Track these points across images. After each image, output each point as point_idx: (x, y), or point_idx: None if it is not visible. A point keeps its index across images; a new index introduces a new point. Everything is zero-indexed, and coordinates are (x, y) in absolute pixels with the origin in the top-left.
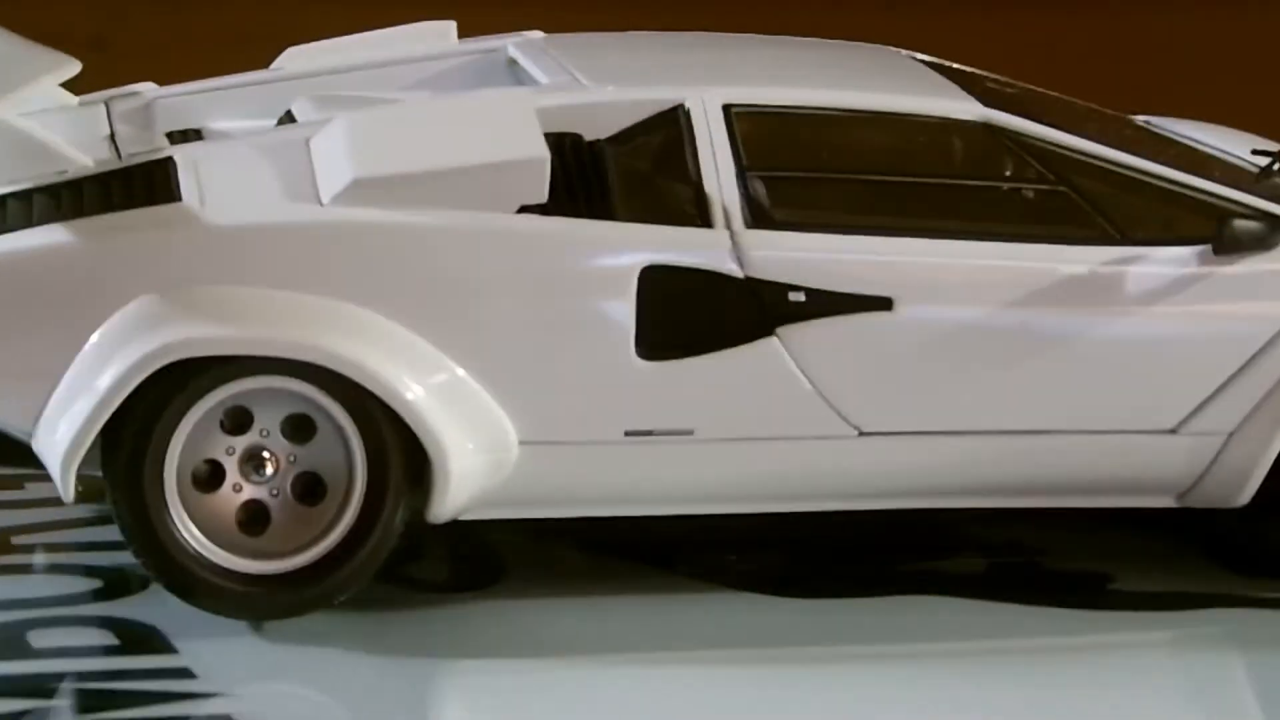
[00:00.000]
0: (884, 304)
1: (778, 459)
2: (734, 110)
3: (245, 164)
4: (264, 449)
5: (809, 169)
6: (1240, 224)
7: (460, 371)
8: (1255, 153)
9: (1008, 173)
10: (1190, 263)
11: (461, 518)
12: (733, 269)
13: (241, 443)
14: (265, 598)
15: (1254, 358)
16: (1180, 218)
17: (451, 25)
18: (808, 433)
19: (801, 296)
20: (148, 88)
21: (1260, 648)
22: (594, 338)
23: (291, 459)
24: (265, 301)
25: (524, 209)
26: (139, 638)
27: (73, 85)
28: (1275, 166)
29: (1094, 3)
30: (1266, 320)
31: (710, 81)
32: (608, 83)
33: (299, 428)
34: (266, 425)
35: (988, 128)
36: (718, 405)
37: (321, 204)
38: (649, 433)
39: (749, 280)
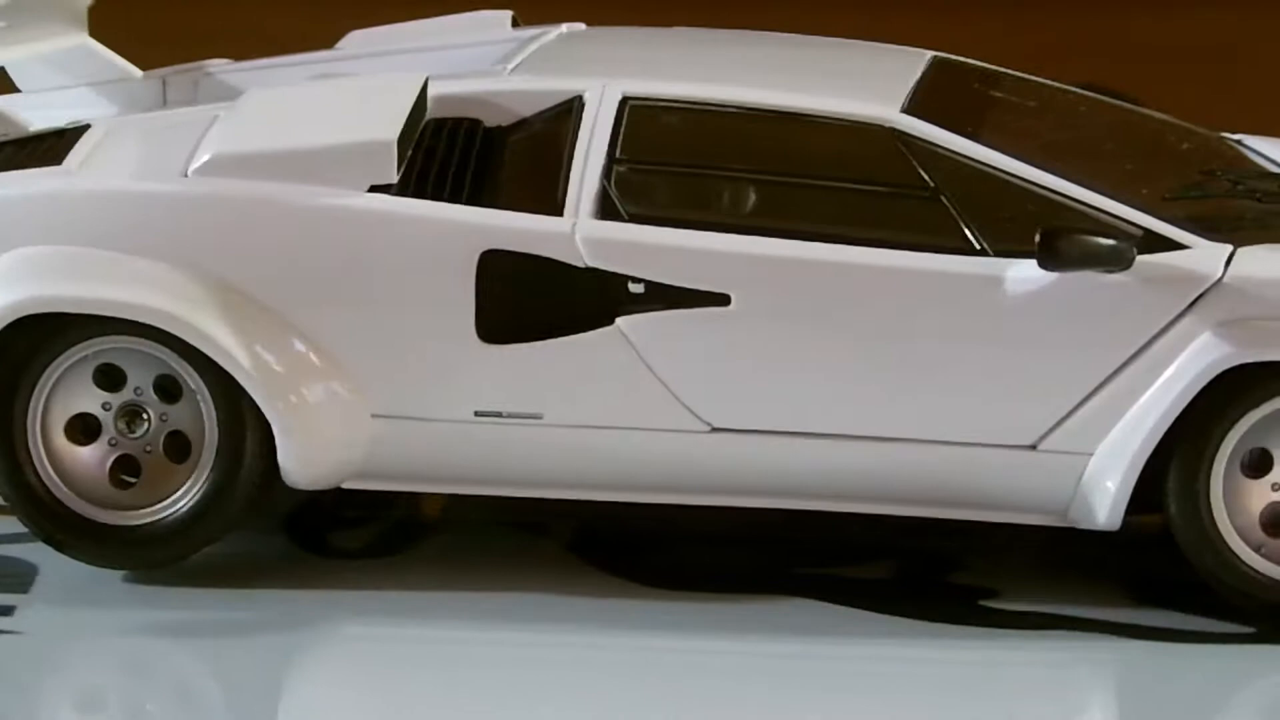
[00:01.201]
0: (721, 300)
1: (629, 449)
2: (631, 103)
3: (149, 135)
4: (141, 407)
5: (681, 164)
6: (1074, 239)
7: (307, 342)
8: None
9: (890, 178)
10: (1049, 278)
11: (349, 486)
12: (572, 258)
13: (117, 400)
14: (125, 549)
15: (1112, 376)
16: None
17: (507, 15)
18: (659, 425)
19: (641, 288)
20: (217, 64)
21: (1127, 677)
22: (435, 318)
23: (164, 417)
24: (115, 265)
25: (376, 188)
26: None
27: (152, 60)
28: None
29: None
30: (1125, 339)
31: (628, 74)
32: (552, 72)
33: (169, 388)
34: (140, 384)
35: (891, 133)
36: (564, 391)
37: (185, 175)
38: (498, 414)
39: (589, 270)
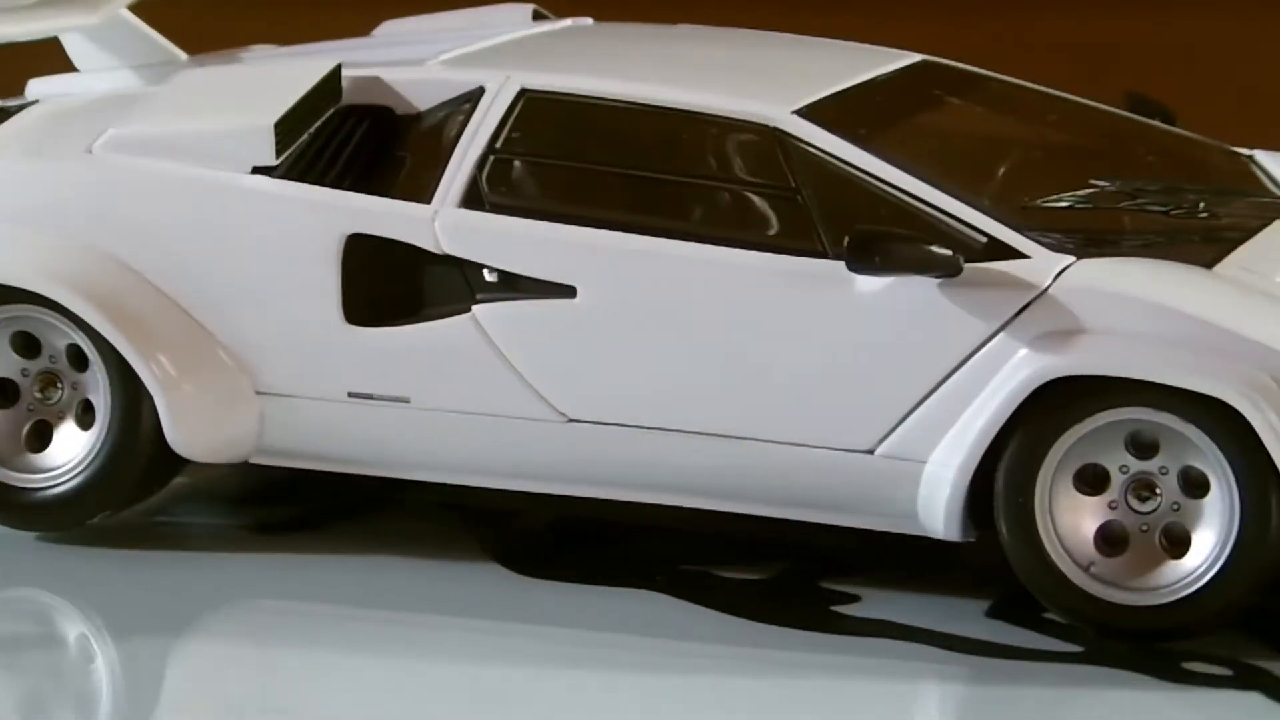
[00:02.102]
0: (568, 291)
1: (491, 436)
2: (529, 95)
3: (80, 113)
4: (56, 374)
5: (555, 156)
6: (881, 244)
7: (191, 318)
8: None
9: (758, 178)
10: (884, 282)
11: (258, 461)
12: (430, 244)
13: (35, 366)
14: (26, 512)
15: (941, 383)
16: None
17: (529, 8)
18: (518, 413)
19: (495, 277)
20: (259, 49)
21: (945, 693)
22: (305, 299)
23: (75, 385)
24: (17, 239)
25: (259, 170)
26: None
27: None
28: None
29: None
30: (954, 346)
31: (538, 68)
32: (469, 63)
33: (82, 356)
34: (54, 352)
35: (772, 132)
36: (427, 376)
37: (89, 152)
38: (369, 396)
39: (446, 257)
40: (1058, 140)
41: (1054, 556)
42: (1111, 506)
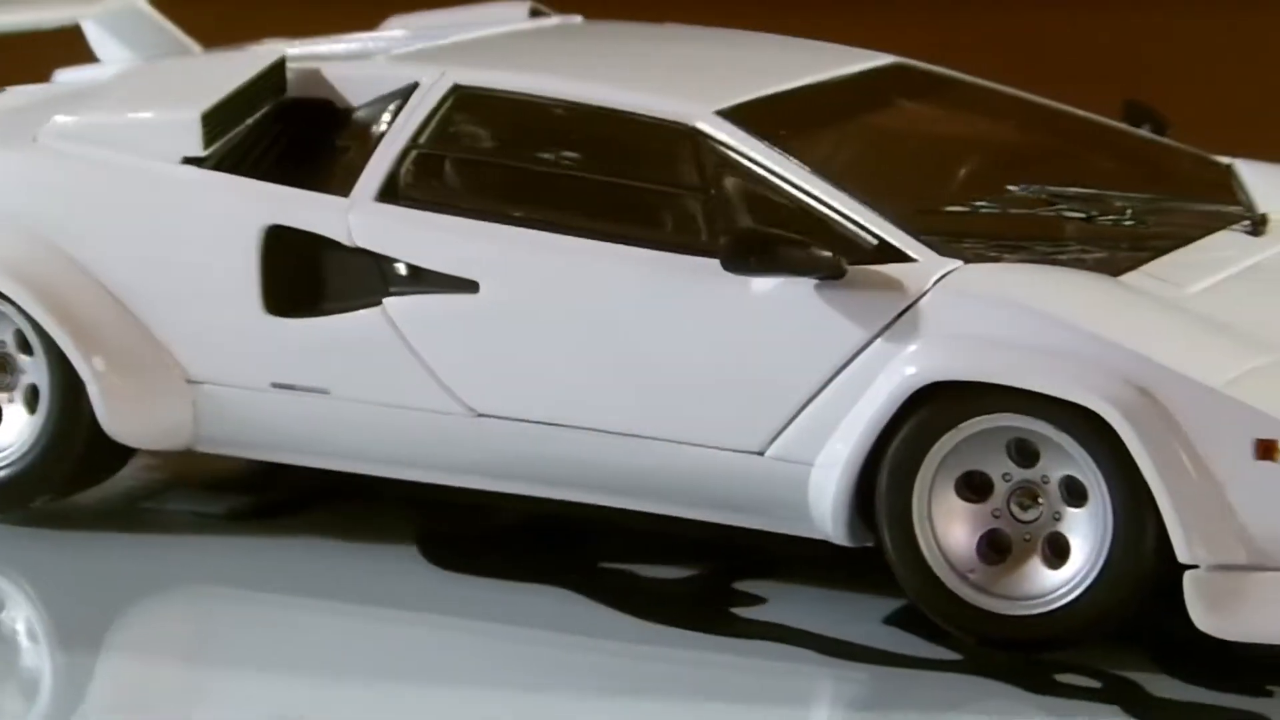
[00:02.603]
0: (471, 287)
1: (407, 429)
2: (461, 91)
3: (44, 101)
4: (7, 358)
5: (474, 152)
6: (756, 244)
7: (123, 306)
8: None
9: (668, 177)
10: (773, 283)
11: (203, 450)
12: (343, 237)
13: None
14: None
15: (824, 386)
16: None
17: (525, 5)
18: (429, 407)
19: (405, 271)
20: (271, 43)
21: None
22: (228, 289)
23: (23, 370)
24: None
25: (190, 161)
26: None
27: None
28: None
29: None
30: (836, 348)
31: (476, 64)
32: (412, 58)
33: (27, 342)
34: (4, 338)
35: (690, 132)
36: (345, 368)
37: (34, 141)
38: (291, 387)
39: (357, 250)
40: (1007, 145)
41: (932, 563)
42: (995, 515)
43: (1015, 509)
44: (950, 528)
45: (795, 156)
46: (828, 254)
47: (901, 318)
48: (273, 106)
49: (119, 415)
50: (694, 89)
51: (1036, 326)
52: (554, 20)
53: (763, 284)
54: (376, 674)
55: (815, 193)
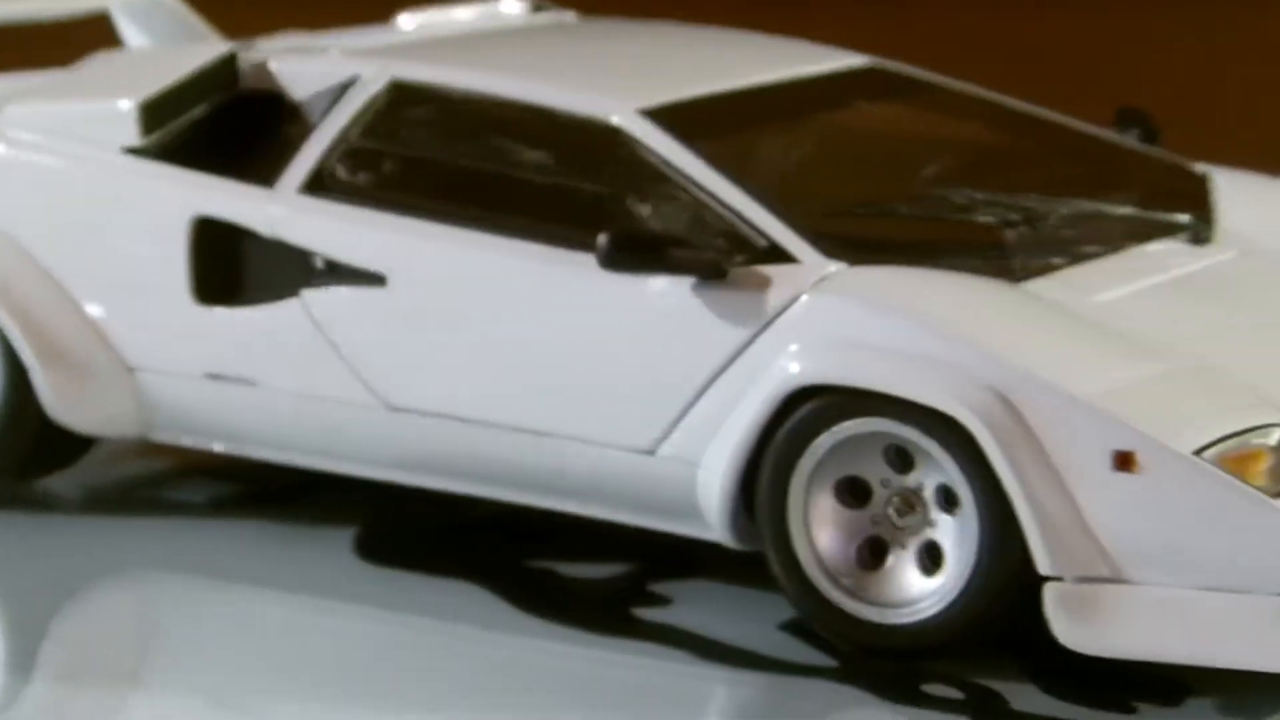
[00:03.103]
0: (379, 280)
1: (328, 421)
2: (397, 86)
3: (11, 90)
4: None
5: (399, 147)
6: (617, 242)
7: (64, 291)
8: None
9: (580, 175)
10: (662, 282)
11: (157, 438)
12: (263, 228)
13: None
14: None
15: (708, 386)
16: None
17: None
18: (348, 399)
19: (319, 263)
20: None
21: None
22: (162, 278)
23: None
24: None
25: (131, 150)
26: None
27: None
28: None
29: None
30: (719, 349)
31: (419, 59)
32: (362, 54)
33: None
34: None
35: (610, 130)
36: (269, 359)
37: None
38: (221, 376)
39: (276, 241)
40: (958, 150)
41: (807, 567)
42: (875, 521)
43: (894, 516)
44: (828, 532)
45: (711, 157)
46: (705, 254)
47: (778, 319)
48: (224, 99)
49: (64, 402)
50: (627, 87)
51: (905, 331)
52: (546, 16)
53: (651, 283)
54: (304, 664)
55: (717, 193)
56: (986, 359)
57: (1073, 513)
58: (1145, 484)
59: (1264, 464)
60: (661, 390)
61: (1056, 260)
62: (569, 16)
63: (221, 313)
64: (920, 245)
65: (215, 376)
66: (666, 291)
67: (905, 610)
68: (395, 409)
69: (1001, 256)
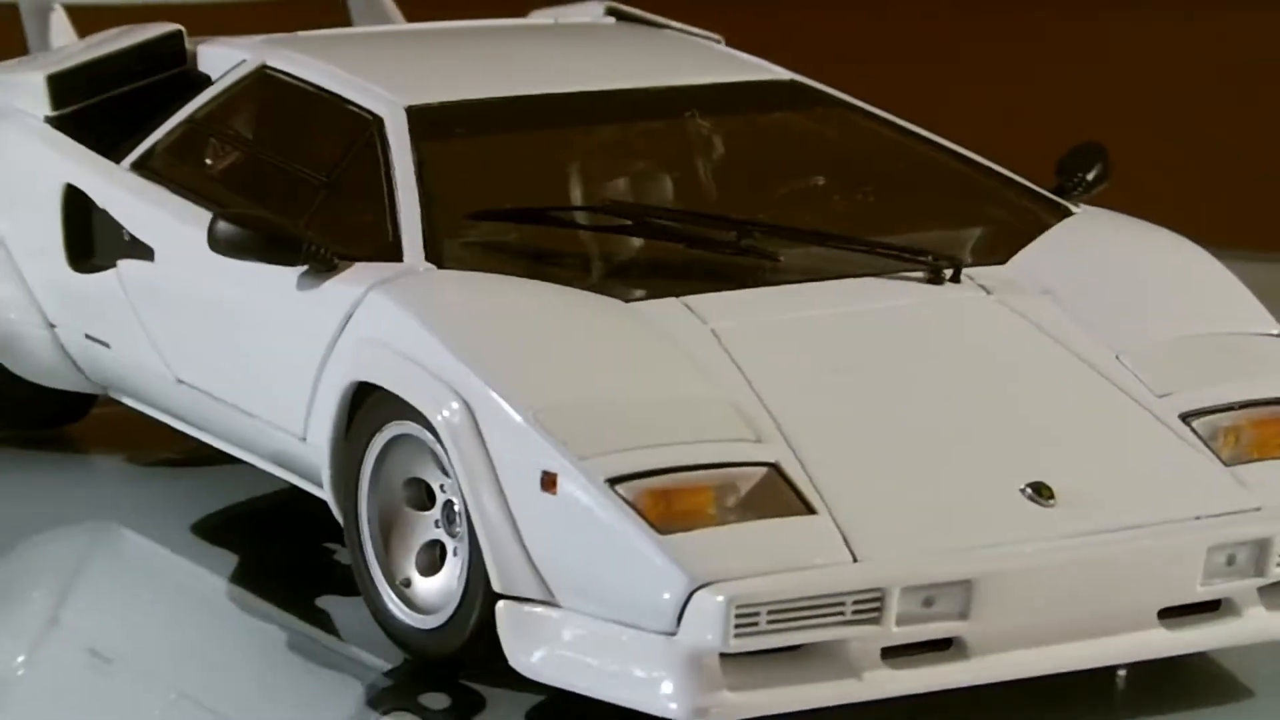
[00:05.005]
0: (149, 254)
1: (155, 386)
2: (262, 72)
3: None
4: None
5: (224, 130)
6: (223, 226)
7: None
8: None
9: (330, 165)
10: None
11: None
12: (99, 201)
13: None
14: None
15: (318, 379)
16: (366, 234)
17: (601, 5)
18: (156, 368)
19: (126, 237)
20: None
21: None
22: (49, 242)
23: None
24: None
25: (50, 119)
26: None
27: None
28: None
29: None
30: (319, 342)
31: (297, 49)
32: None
33: None
34: None
35: (375, 123)
36: (110, 324)
37: None
38: (91, 337)
39: (104, 213)
40: (750, 170)
41: (371, 569)
42: (437, 524)
43: (446, 520)
44: (393, 535)
45: (425, 156)
46: (298, 245)
47: (353, 314)
48: (165, 77)
49: (12, 354)
50: (427, 84)
51: (412, 334)
52: (587, 17)
53: (288, 273)
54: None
55: (395, 188)
56: (460, 369)
57: (515, 531)
58: (561, 507)
59: (701, 502)
60: (296, 378)
61: (701, 283)
62: (608, 21)
63: (80, 278)
64: (548, 256)
65: (89, 337)
66: (290, 280)
67: (434, 617)
68: (180, 381)
69: (627, 274)
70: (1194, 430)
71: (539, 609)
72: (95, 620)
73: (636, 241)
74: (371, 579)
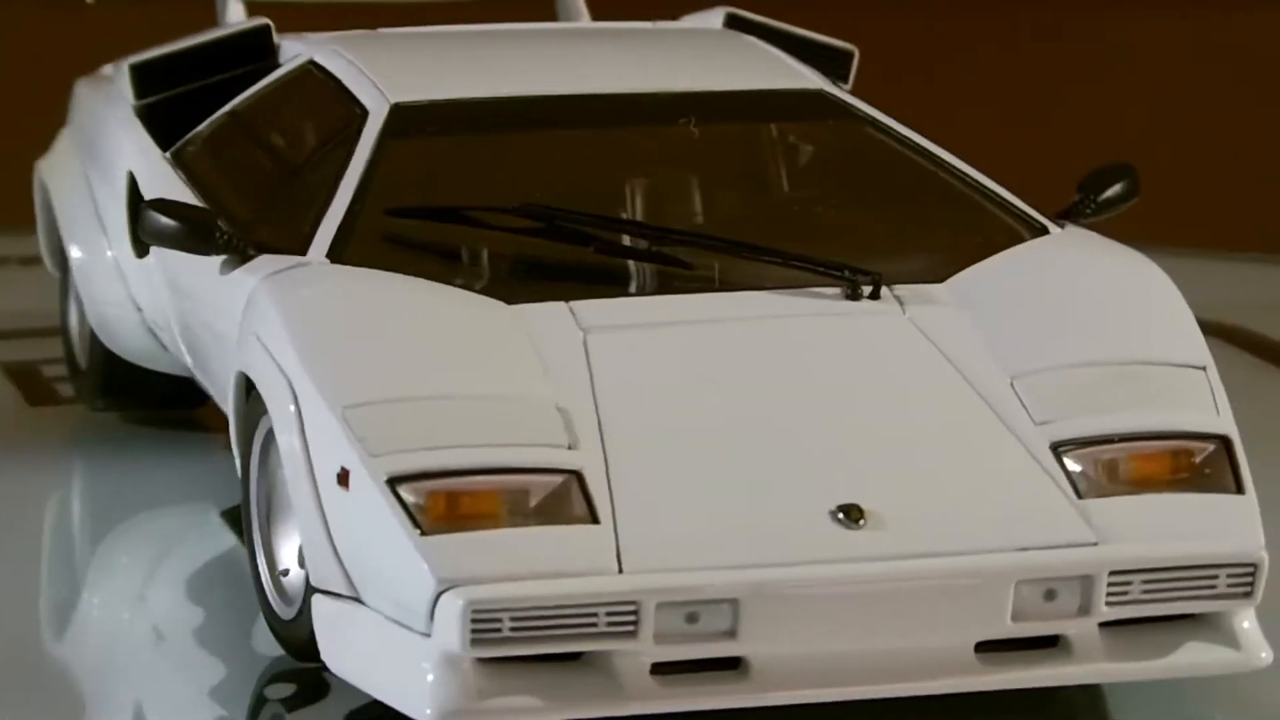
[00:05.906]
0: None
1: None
2: (308, 67)
3: None
4: None
5: (250, 121)
6: (148, 215)
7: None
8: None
9: (325, 154)
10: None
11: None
12: (141, 188)
13: None
14: None
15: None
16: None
17: (721, 12)
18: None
19: None
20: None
21: None
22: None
23: None
24: None
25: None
26: None
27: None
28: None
29: None
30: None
31: (348, 46)
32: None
33: None
34: None
35: (363, 115)
36: (158, 308)
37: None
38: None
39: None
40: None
41: (256, 558)
42: None
43: None
44: (277, 526)
45: (386, 150)
46: (217, 234)
47: (246, 305)
48: (255, 69)
49: (111, 336)
50: (430, 82)
51: (271, 328)
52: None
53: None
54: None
55: (344, 183)
56: (296, 364)
57: (325, 526)
58: (354, 504)
59: (487, 506)
60: (224, 366)
61: (595, 287)
62: (715, 22)
63: (139, 265)
64: (453, 256)
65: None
66: (219, 269)
67: (293, 608)
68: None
69: (525, 276)
70: (1060, 461)
71: (347, 605)
72: (170, 596)
73: (551, 244)
74: (255, 567)
